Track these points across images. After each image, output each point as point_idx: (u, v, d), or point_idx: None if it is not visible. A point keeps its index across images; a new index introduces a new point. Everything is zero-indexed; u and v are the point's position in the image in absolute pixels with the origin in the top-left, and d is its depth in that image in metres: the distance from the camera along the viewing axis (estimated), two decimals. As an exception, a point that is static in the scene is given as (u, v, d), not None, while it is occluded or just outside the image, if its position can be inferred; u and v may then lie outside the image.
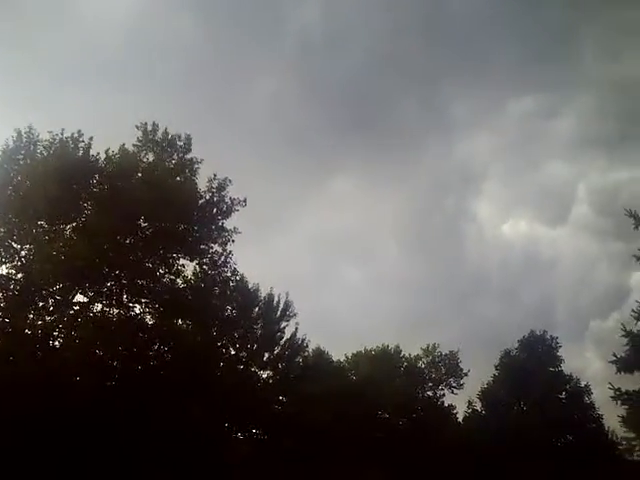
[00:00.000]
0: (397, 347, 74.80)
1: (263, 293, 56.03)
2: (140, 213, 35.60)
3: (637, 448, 26.67)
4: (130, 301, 35.97)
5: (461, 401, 69.55)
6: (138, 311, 36.29)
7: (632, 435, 25.09)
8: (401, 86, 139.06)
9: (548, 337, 61.91)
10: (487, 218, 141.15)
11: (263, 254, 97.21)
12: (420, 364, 75.42)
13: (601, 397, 55.98)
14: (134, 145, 37.27)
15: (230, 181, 38.34)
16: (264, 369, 55.97)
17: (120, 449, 31.39)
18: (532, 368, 58.30)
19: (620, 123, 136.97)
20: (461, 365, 74.92)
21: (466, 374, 74.33)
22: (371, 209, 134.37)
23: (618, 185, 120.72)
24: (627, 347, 23.16)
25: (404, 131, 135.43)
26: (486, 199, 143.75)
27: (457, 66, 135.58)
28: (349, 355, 74.39)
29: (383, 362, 72.45)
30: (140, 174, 36.29)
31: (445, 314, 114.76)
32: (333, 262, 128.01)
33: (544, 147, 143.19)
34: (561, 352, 61.28)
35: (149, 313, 36.48)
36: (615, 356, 23.17)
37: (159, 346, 36.68)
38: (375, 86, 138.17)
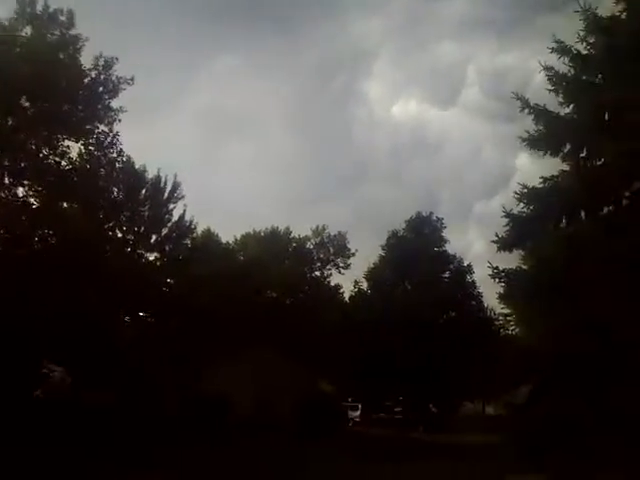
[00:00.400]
0: (287, 229, 75.62)
1: (150, 175, 55.33)
2: (21, 91, 34.00)
3: (512, 323, 28.00)
4: (13, 183, 34.89)
5: (348, 281, 71.16)
6: (21, 194, 35.28)
7: (507, 311, 26.36)
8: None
9: (434, 218, 62.88)
10: (377, 99, 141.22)
11: (150, 136, 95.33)
12: (309, 245, 76.53)
13: (482, 276, 58.23)
14: (9, 20, 35.20)
15: (117, 59, 36.96)
16: (151, 251, 55.86)
17: (5, 332, 30.95)
18: (418, 248, 59.36)
19: (509, 7, 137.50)
20: (349, 246, 76.57)
21: (353, 254, 76.12)
22: (259, 89, 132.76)
23: (507, 68, 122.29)
24: (507, 227, 23.94)
25: (292, 12, 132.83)
26: (376, 79, 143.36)
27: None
28: (238, 237, 74.70)
29: (272, 243, 73.18)
30: (18, 49, 34.46)
31: (334, 196, 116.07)
32: (219, 142, 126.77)
33: (434, 28, 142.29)
34: (446, 233, 62.57)
35: (33, 196, 35.44)
36: (497, 236, 23.92)
37: (44, 229, 35.85)
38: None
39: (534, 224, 23.93)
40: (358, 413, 63.35)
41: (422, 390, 55.50)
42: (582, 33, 24.92)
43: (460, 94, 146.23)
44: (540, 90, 25.67)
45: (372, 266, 63.58)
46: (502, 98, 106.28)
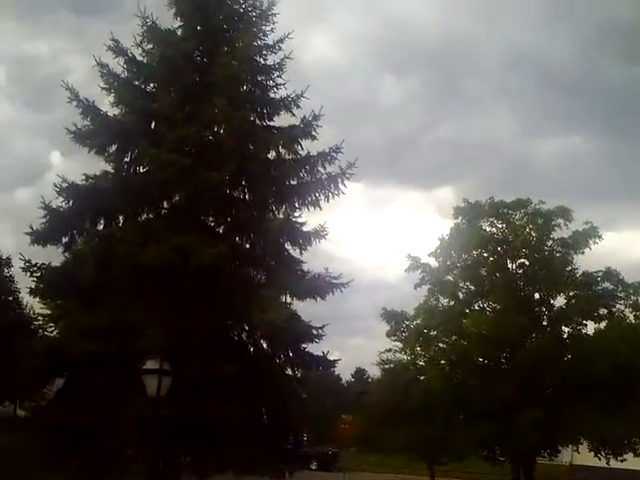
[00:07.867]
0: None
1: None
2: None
3: (48, 321, 26.61)
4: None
5: None
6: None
7: (47, 312, 25.15)
8: None
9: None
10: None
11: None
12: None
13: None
14: None
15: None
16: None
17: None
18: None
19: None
20: None
21: None
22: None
23: (37, 56, 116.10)
24: (44, 220, 23.15)
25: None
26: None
27: None
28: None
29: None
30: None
31: None
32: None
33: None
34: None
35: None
36: (31, 228, 22.98)
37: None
38: None
39: (72, 220, 23.54)
40: None
41: None
42: (139, 38, 25.20)
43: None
44: (83, 86, 25.12)
45: None
46: (31, 85, 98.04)
